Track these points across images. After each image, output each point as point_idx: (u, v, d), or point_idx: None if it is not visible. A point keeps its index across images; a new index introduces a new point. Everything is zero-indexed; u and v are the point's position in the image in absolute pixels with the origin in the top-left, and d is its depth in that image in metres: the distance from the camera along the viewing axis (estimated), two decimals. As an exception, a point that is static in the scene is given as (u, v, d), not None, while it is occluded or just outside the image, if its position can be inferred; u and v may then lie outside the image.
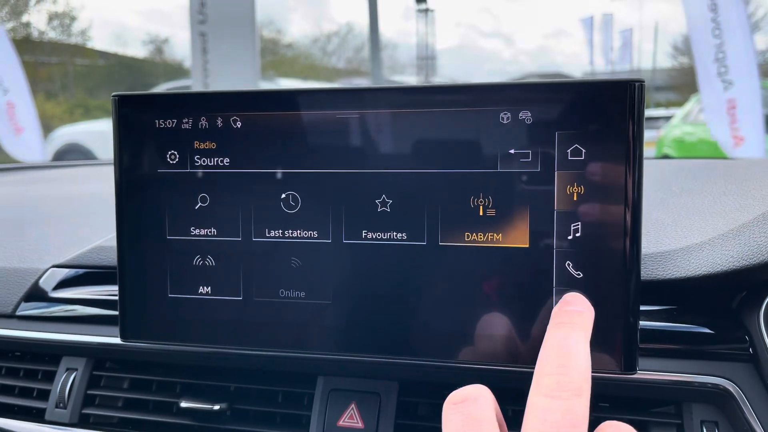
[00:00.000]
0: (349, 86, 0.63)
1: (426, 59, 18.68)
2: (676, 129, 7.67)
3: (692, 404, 0.63)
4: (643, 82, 0.57)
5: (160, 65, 23.07)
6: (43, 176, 1.54)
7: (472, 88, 0.60)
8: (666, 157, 7.63)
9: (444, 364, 0.63)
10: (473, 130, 0.60)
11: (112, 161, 0.68)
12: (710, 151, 6.65)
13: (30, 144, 5.61)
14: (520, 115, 0.59)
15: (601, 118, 0.57)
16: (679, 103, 12.48)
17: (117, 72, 22.04)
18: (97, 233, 0.86)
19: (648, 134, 10.17)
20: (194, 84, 5.62)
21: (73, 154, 7.85)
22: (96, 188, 1.15)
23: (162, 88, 8.22)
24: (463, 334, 0.61)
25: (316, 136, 0.63)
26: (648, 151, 9.32)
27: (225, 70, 5.45)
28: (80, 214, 0.98)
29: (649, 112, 13.10)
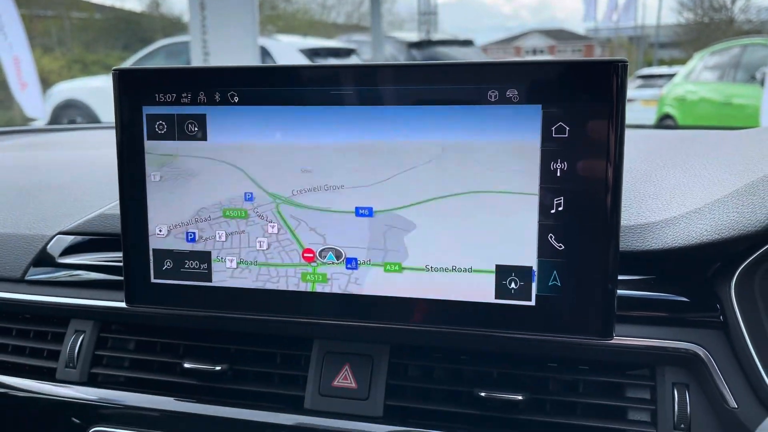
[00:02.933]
0: (345, 63, 0.65)
1: (427, 14, 18.38)
2: (678, 87, 7.60)
3: (665, 368, 0.67)
4: (626, 62, 0.59)
5: (157, 20, 22.69)
6: (44, 140, 1.56)
7: (462, 67, 0.62)
8: (667, 116, 7.58)
9: (431, 330, 0.66)
10: (462, 105, 0.62)
11: (112, 126, 0.71)
12: (711, 111, 6.62)
13: (32, 100, 5.59)
14: (507, 93, 0.62)
15: (585, 97, 0.59)
16: (683, 61, 12.33)
17: (114, 26, 21.68)
18: (100, 200, 0.89)
19: (650, 92, 10.12)
20: (192, 40, 5.56)
21: (71, 110, 7.80)
22: (97, 154, 1.17)
23: (160, 43, 8.11)
24: (448, 301, 0.64)
25: (313, 110, 0.65)
26: (649, 109, 9.26)
27: (223, 25, 5.39)
28: (82, 180, 1.00)
29: (651, 70, 12.95)
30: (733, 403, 0.62)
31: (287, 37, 8.54)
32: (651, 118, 8.35)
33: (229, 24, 5.45)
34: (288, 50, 7.09)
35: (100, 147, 1.30)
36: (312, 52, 7.19)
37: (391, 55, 9.62)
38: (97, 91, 7.91)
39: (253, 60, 5.34)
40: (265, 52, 6.62)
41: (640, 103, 10.08)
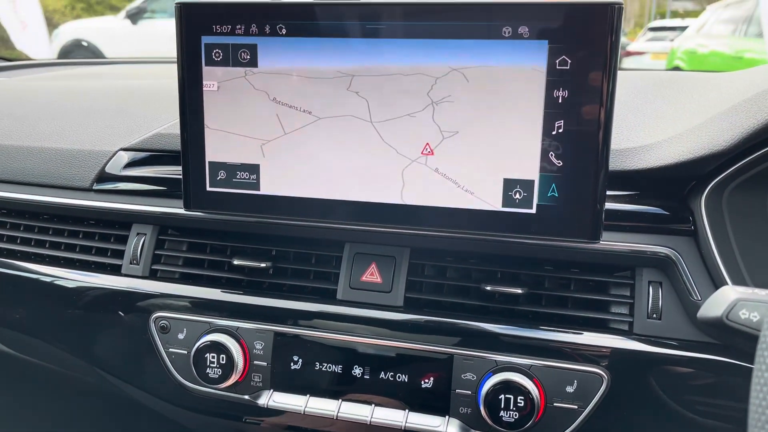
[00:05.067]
0: (380, 1, 0.75)
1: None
2: (689, 40, 7.57)
3: (643, 269, 0.79)
4: (622, 4, 0.70)
5: (162, -41, 22.29)
6: (96, 71, 1.66)
7: (483, 5, 0.73)
8: (676, 68, 7.57)
9: (446, 234, 0.79)
10: (480, 39, 0.73)
11: (160, 60, 0.82)
12: (721, 65, 6.61)
13: (36, 39, 5.53)
14: (519, 29, 0.72)
15: (584, 33, 0.70)
16: (697, 14, 12.14)
17: (118, -35, 21.29)
18: (155, 122, 1.00)
19: (661, 45, 10.02)
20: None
21: (79, 51, 7.81)
22: (147, 83, 1.28)
23: (167, -16, 8.06)
24: (461, 209, 0.76)
25: (349, 41, 0.76)
26: (659, 63, 9.21)
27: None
28: (136, 105, 1.11)
29: (662, 23, 12.75)
30: (697, 297, 0.75)
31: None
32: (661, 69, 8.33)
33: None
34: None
35: (148, 78, 1.40)
36: None
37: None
38: (104, 31, 7.91)
39: None
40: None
41: (650, 57, 9.99)
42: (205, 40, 0.80)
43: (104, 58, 7.34)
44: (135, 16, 7.72)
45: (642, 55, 10.17)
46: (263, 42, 0.79)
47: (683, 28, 9.19)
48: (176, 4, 0.80)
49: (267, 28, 0.79)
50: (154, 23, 7.53)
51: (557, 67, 0.72)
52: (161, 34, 6.95)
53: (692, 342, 0.76)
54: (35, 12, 5.49)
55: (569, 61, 0.71)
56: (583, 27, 0.70)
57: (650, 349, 0.76)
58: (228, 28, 0.80)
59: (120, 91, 1.25)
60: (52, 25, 8.69)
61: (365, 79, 0.77)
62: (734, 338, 0.72)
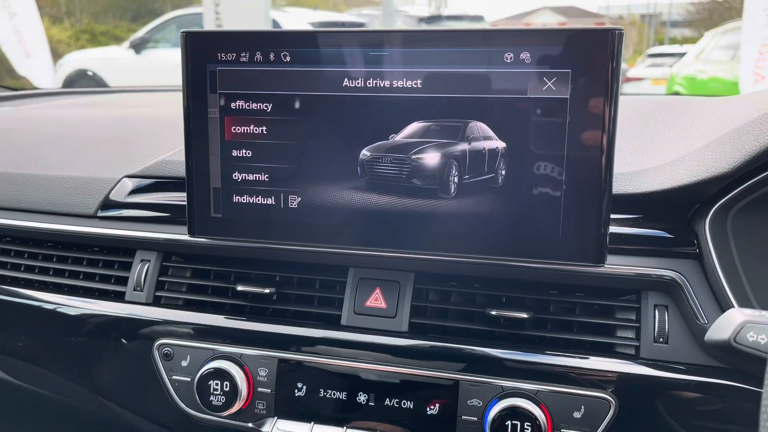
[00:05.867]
0: (383, 29, 0.76)
1: (438, -11, 18.32)
2: (688, 66, 7.63)
3: (649, 292, 0.79)
4: (622, 30, 0.71)
5: (166, -10, 22.63)
6: (100, 100, 1.68)
7: (485, 33, 0.74)
8: (676, 94, 7.63)
9: (452, 259, 0.79)
10: (482, 66, 0.73)
11: (163, 89, 0.83)
12: (721, 90, 6.66)
13: (40, 69, 5.59)
14: (520, 55, 0.73)
15: (586, 59, 0.70)
16: (694, 40, 12.27)
17: (123, -3, 21.64)
18: (159, 150, 1.01)
19: (660, 71, 10.11)
20: (205, 11, 5.64)
21: (83, 81, 7.90)
22: (150, 112, 1.29)
23: (171, 15, 8.19)
24: (469, 232, 0.76)
25: (353, 68, 0.77)
26: (659, 88, 9.28)
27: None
28: (140, 133, 1.12)
29: (661, 49, 12.88)
30: (704, 320, 0.74)
31: (297, 10, 8.59)
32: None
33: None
34: (298, 23, 7.15)
35: (152, 106, 1.42)
36: (322, 26, 7.27)
37: (401, 29, 9.64)
38: (108, 60, 8.00)
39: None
40: (275, 25, 6.69)
41: (650, 82, 10.07)
42: (210, 68, 0.81)
43: (108, 87, 7.42)
44: (138, 46, 7.81)
45: (642, 81, 10.25)
46: (268, 69, 0.80)
47: (681, 55, 9.27)
48: (182, 32, 0.81)
49: (271, 56, 0.80)
50: (157, 53, 7.62)
51: (559, 93, 0.72)
52: (164, 64, 7.04)
53: (700, 366, 0.75)
54: (41, 42, 5.57)
55: (571, 87, 0.72)
56: (585, 53, 0.70)
57: (657, 373, 0.75)
58: (233, 56, 0.81)
59: (124, 119, 1.26)
60: (57, 55, 8.79)
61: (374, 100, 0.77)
62: (742, 361, 0.71)
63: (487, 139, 0.75)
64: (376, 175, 0.79)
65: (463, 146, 0.76)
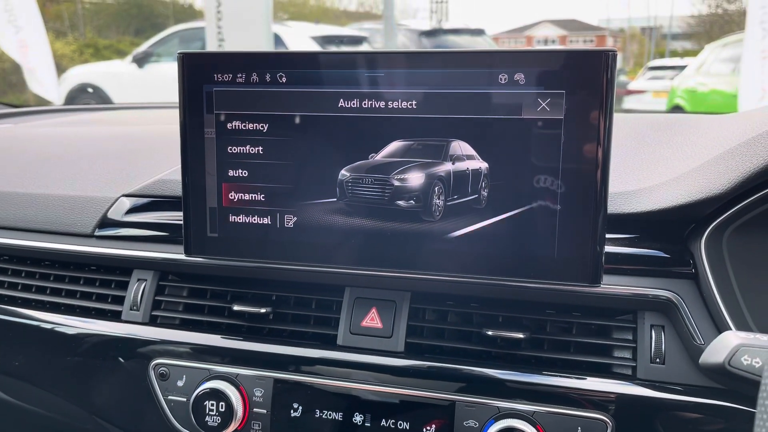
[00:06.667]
0: (377, 50, 0.77)
1: (439, 2, 18.43)
2: (689, 79, 7.66)
3: (645, 312, 0.79)
4: (616, 52, 0.71)
5: (169, 5, 22.80)
6: (97, 117, 1.69)
7: (479, 54, 0.74)
8: (677, 107, 7.64)
9: (446, 278, 0.79)
10: (477, 87, 0.74)
11: (160, 105, 0.83)
12: (721, 102, 6.67)
13: (44, 83, 5.61)
14: (515, 76, 0.73)
15: (581, 80, 0.71)
16: (695, 53, 12.31)
17: (126, 11, 21.81)
18: (156, 169, 1.01)
19: (661, 83, 10.14)
20: (207, 26, 5.67)
21: (86, 95, 7.94)
22: (148, 129, 1.29)
23: (173, 29, 8.24)
24: (464, 252, 0.76)
25: (348, 89, 0.77)
26: (660, 101, 9.30)
27: (238, 12, 5.49)
28: (138, 151, 1.13)
29: (662, 62, 12.92)
30: (700, 341, 0.74)
31: (299, 24, 8.64)
32: (661, 109, 8.41)
33: (243, 10, 5.53)
34: (300, 37, 7.19)
35: (151, 123, 1.43)
36: (324, 40, 7.29)
37: (402, 43, 9.69)
38: (111, 75, 8.05)
39: (266, 47, 5.42)
40: (277, 39, 6.72)
41: (651, 95, 10.10)
42: (207, 88, 0.82)
43: (111, 101, 7.45)
44: (141, 60, 7.86)
45: (643, 93, 10.28)
46: (264, 90, 0.80)
47: (682, 67, 9.31)
48: (179, 54, 0.82)
49: (267, 77, 0.80)
50: (159, 67, 7.66)
51: (554, 114, 0.73)
52: (167, 77, 7.07)
53: (697, 387, 0.75)
54: (46, 56, 5.59)
55: (565, 108, 0.72)
56: (579, 74, 0.71)
57: (654, 394, 0.75)
58: (229, 77, 0.81)
59: (123, 137, 1.27)
60: (60, 69, 8.84)
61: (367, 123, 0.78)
62: (738, 384, 0.71)
63: (470, 158, 0.75)
64: (355, 196, 0.79)
65: (447, 166, 0.76)
